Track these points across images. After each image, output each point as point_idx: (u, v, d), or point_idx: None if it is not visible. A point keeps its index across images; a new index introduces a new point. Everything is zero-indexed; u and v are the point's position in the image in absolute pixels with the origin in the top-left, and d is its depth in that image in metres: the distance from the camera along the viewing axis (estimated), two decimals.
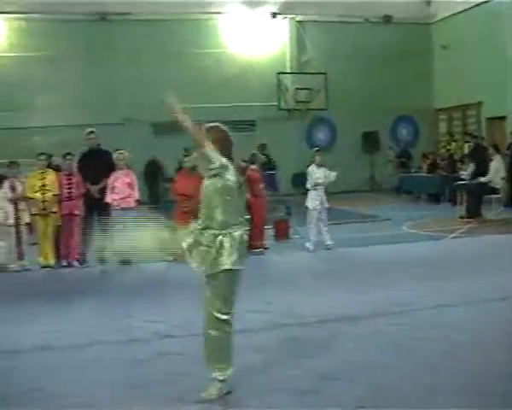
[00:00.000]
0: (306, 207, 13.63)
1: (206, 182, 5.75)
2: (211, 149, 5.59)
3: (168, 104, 5.66)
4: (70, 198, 12.72)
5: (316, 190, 13.49)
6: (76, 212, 12.76)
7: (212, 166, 5.60)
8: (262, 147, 14.57)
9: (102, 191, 12.69)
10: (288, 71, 27.17)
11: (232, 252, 5.58)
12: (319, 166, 13.61)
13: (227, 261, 5.57)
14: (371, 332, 7.46)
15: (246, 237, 5.74)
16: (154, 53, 24.08)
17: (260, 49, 26.64)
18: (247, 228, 5.81)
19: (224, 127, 5.97)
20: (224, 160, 5.67)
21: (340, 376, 6.06)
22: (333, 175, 13.58)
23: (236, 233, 5.64)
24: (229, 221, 5.65)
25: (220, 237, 5.60)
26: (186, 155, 14.17)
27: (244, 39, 26.32)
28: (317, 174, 13.50)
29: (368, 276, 10.64)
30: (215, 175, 5.65)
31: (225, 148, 5.79)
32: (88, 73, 23.75)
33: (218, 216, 5.63)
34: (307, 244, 13.46)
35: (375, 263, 11.90)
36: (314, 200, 13.47)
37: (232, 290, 5.70)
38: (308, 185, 13.63)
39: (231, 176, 5.69)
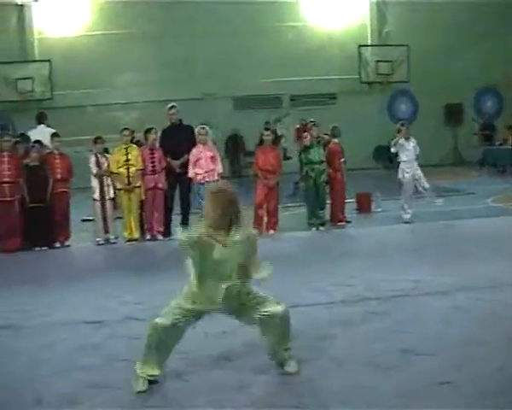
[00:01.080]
0: (399, 180, 13.69)
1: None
2: None
3: None
4: (154, 172, 12.90)
5: (407, 162, 13.46)
6: (160, 185, 12.92)
7: None
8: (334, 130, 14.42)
9: (184, 166, 12.84)
10: (369, 43, 26.83)
11: None
12: (407, 138, 13.57)
13: None
14: (457, 307, 7.31)
15: None
16: (234, 28, 24.08)
17: (341, 21, 26.35)
18: None
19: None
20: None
21: (423, 351, 5.95)
22: (418, 148, 13.70)
23: None
24: None
25: None
26: (267, 129, 14.22)
27: (325, 12, 26.07)
28: (409, 147, 13.60)
29: (454, 251, 10.47)
30: None
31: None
32: (168, 49, 23.96)
33: None
34: (405, 215, 13.50)
35: (460, 238, 11.74)
36: (407, 172, 13.56)
37: None
38: (403, 157, 13.69)
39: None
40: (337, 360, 5.83)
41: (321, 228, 13.18)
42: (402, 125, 14.05)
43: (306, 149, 13.25)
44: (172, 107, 13.38)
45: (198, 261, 5.45)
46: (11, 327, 7.38)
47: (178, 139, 12.99)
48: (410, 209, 13.55)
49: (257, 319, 5.52)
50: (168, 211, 13.12)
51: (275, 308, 5.52)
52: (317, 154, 13.26)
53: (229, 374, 5.64)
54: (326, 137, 13.92)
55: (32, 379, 5.72)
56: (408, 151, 13.62)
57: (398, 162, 13.86)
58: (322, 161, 13.33)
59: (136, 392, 5.34)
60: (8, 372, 5.95)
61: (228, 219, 5.34)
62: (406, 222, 13.39)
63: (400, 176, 13.74)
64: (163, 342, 5.43)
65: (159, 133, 13.20)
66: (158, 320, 5.44)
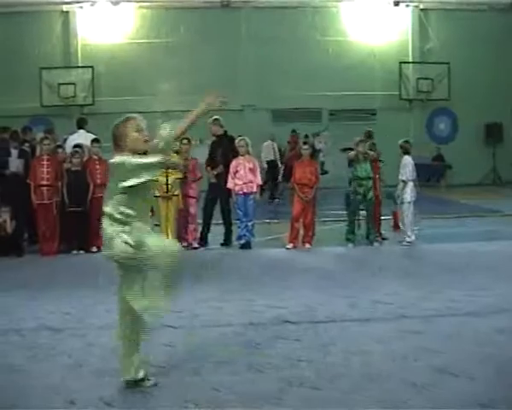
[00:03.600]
0: (401, 201, 13.30)
1: None
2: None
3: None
4: (185, 181, 12.97)
5: (412, 181, 13.24)
6: (191, 194, 12.99)
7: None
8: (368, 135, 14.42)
9: (221, 176, 12.90)
10: (410, 60, 26.73)
11: None
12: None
13: None
14: (495, 328, 7.22)
15: None
16: (275, 40, 24.13)
17: (382, 37, 26.30)
18: None
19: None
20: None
21: (460, 371, 5.87)
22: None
23: None
24: None
25: None
26: (305, 143, 14.22)
27: (366, 27, 26.05)
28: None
29: (491, 270, 10.35)
30: None
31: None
32: (208, 59, 24.08)
33: None
34: (408, 238, 13.10)
35: (501, 258, 11.55)
36: (412, 192, 13.20)
37: None
38: (407, 177, 13.21)
39: None
40: (370, 376, 5.80)
41: (370, 243, 13.14)
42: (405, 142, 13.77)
43: (354, 164, 13.19)
44: (214, 119, 13.41)
45: None
46: (50, 329, 7.47)
47: (220, 150, 13.07)
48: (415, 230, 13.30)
49: None
50: (205, 221, 13.19)
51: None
52: (364, 170, 13.21)
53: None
54: (373, 153, 13.73)
55: (68, 380, 5.78)
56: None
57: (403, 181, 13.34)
58: (369, 177, 13.23)
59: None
60: (45, 373, 6.02)
61: None
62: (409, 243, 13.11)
63: (406, 196, 13.24)
64: None
65: (197, 142, 13.28)
66: None
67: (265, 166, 21.07)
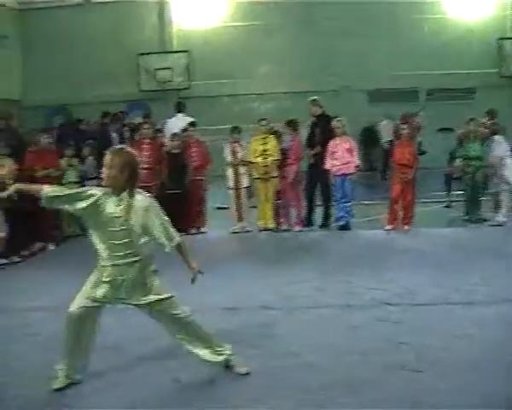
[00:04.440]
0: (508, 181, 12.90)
1: None
2: None
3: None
4: (284, 163, 12.98)
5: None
6: (290, 175, 12.94)
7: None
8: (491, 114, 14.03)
9: (319, 157, 12.88)
10: (510, 35, 25.88)
11: None
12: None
13: None
14: None
15: None
16: (370, 20, 23.77)
17: (480, 12, 25.53)
18: None
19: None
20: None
21: None
22: None
23: None
24: None
25: None
26: (404, 123, 14.00)
27: (464, 3, 25.34)
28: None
29: None
30: None
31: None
32: (304, 42, 23.93)
33: None
34: (501, 217, 12.73)
35: None
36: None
37: None
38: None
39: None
40: (473, 362, 5.70)
41: (476, 225, 12.82)
42: None
43: (463, 143, 12.95)
44: (312, 100, 13.44)
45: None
46: None
47: (322, 130, 13.01)
48: None
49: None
50: (308, 202, 13.21)
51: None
52: (473, 149, 12.94)
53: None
54: (486, 131, 13.37)
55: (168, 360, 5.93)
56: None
57: None
58: (479, 157, 12.96)
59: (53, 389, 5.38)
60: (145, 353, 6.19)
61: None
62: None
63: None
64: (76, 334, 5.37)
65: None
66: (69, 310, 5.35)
67: (387, 146, 20.52)
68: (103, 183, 5.25)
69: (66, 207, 5.28)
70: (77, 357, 5.43)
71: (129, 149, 5.46)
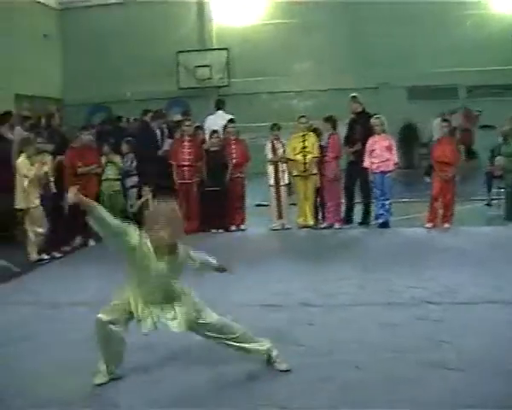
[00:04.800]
0: None
1: None
2: None
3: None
4: (323, 160, 12.97)
5: None
6: (330, 173, 12.91)
7: None
8: None
9: (358, 154, 12.84)
10: None
11: None
12: None
13: None
14: None
15: None
16: (411, 17, 23.58)
17: None
18: None
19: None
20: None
21: None
22: None
23: None
24: None
25: None
26: (445, 120, 13.89)
27: None
28: None
29: None
30: None
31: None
32: (343, 39, 23.85)
33: None
34: None
35: None
36: None
37: None
38: None
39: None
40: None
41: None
42: None
43: (508, 140, 12.85)
44: (352, 97, 13.43)
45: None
46: None
47: (362, 127, 12.99)
48: None
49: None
50: (347, 200, 13.20)
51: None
52: None
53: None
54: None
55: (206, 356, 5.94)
56: None
57: None
58: None
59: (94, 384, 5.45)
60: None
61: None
62: None
63: None
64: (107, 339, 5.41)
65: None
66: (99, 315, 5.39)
67: None
68: (149, 240, 5.26)
69: (109, 236, 5.37)
70: (110, 357, 5.51)
71: (173, 204, 5.44)
